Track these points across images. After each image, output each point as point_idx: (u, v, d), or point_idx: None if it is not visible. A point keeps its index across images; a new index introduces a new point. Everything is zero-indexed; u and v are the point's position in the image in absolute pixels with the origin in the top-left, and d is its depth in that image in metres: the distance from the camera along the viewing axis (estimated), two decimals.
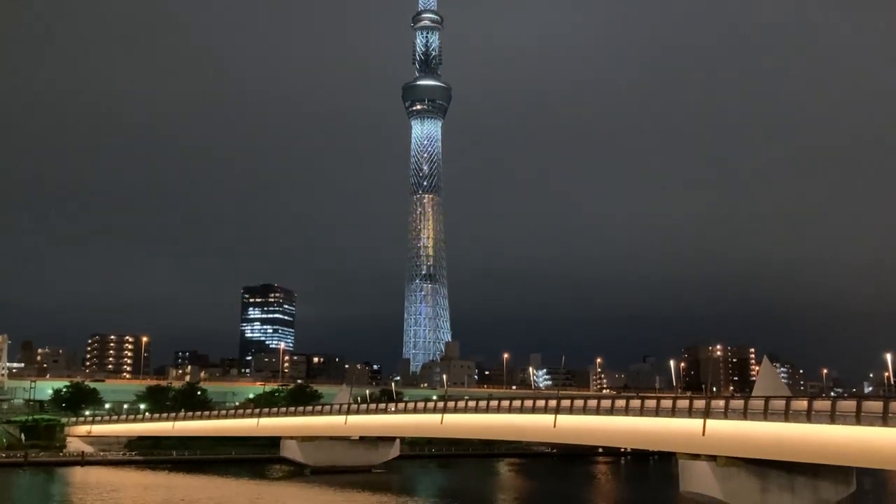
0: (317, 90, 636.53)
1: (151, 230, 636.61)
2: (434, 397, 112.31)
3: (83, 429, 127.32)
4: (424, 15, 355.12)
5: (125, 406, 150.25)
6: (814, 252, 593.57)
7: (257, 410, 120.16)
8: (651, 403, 69.38)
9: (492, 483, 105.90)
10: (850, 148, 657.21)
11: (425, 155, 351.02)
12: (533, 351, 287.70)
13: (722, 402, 64.27)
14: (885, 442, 51.37)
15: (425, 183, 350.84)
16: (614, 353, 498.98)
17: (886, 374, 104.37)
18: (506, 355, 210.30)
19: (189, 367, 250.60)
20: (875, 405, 53.14)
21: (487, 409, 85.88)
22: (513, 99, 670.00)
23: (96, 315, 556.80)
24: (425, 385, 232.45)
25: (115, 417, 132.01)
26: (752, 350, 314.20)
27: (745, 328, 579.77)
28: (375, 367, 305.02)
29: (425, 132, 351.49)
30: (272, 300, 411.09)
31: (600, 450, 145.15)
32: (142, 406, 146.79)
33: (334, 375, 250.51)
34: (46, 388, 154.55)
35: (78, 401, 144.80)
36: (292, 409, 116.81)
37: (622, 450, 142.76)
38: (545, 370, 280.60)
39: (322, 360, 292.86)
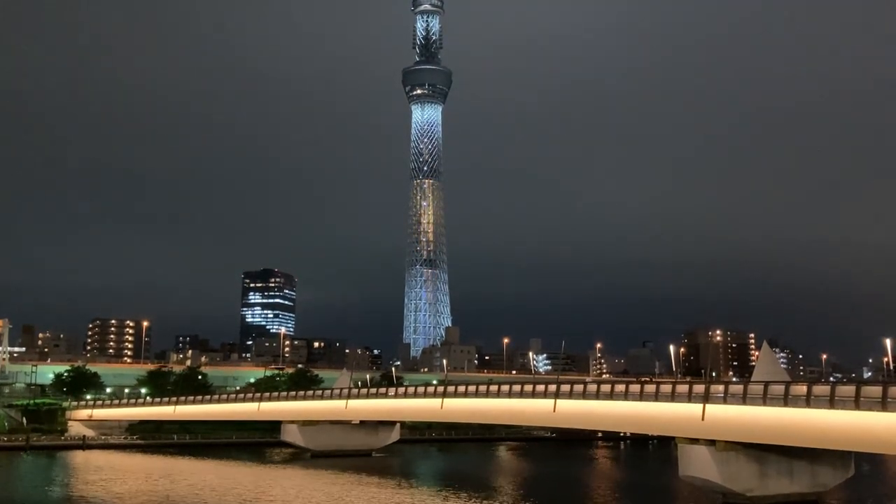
0: (316, 75, 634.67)
1: (152, 215, 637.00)
2: (434, 382, 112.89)
3: (84, 413, 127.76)
4: None
5: (126, 390, 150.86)
6: (813, 238, 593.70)
7: (258, 395, 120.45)
8: (650, 388, 69.62)
9: (492, 467, 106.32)
10: (848, 136, 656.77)
11: (425, 140, 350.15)
12: (533, 336, 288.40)
13: (721, 387, 64.45)
14: (883, 427, 51.49)
15: (425, 168, 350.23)
16: (614, 339, 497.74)
17: (885, 359, 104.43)
18: (506, 340, 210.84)
19: (190, 351, 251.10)
20: (874, 390, 53.26)
21: (487, 394, 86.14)
22: (513, 85, 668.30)
23: (97, 299, 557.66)
24: (425, 370, 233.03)
25: (116, 402, 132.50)
26: (752, 335, 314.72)
27: (744, 313, 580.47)
28: (376, 351, 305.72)
29: (425, 117, 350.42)
30: (273, 285, 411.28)
31: (600, 434, 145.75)
32: (143, 390, 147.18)
33: (335, 360, 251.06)
34: (48, 372, 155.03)
35: (79, 385, 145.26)
36: (293, 393, 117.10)
37: (621, 434, 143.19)
38: (545, 355, 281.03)
39: (322, 344, 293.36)
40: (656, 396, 67.95)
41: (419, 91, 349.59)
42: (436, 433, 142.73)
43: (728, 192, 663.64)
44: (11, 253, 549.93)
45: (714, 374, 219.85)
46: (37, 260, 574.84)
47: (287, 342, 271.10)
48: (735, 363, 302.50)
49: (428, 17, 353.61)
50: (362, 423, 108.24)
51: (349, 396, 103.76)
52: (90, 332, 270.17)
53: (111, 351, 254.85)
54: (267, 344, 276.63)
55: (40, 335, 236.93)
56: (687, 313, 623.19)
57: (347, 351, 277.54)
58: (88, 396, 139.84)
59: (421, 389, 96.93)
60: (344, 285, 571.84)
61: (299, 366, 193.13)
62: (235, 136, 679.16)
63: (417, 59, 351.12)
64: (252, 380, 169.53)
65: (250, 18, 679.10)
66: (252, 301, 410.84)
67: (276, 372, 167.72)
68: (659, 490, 79.96)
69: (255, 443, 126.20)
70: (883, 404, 51.57)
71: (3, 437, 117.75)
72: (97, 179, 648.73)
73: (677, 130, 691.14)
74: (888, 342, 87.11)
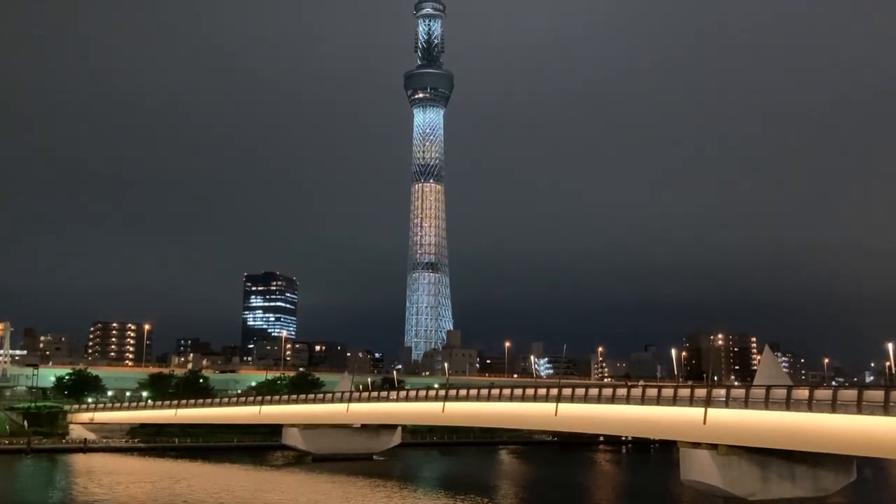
0: (318, 78, 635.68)
1: (154, 217, 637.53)
2: (435, 385, 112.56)
3: (86, 416, 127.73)
4: (427, 2, 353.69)
5: (127, 393, 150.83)
6: (815, 241, 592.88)
7: (259, 398, 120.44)
8: (652, 392, 69.45)
9: (493, 470, 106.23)
10: (849, 136, 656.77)
11: (427, 143, 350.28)
12: (534, 339, 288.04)
13: (723, 391, 64.37)
14: (885, 431, 51.46)
15: (427, 171, 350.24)
16: (616, 342, 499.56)
17: (887, 363, 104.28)
18: (507, 344, 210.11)
19: (191, 354, 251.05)
20: (876, 394, 53.20)
21: (489, 398, 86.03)
22: (514, 87, 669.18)
23: (99, 302, 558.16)
24: (427, 373, 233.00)
25: (117, 405, 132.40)
26: (754, 339, 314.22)
27: (746, 317, 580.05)
28: (377, 355, 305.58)
29: (427, 120, 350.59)
30: (274, 288, 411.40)
31: (601, 438, 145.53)
32: (144, 393, 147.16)
33: (336, 363, 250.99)
34: (49, 375, 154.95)
35: (80, 388, 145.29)
36: (294, 396, 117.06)
37: (623, 438, 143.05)
38: (547, 359, 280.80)
39: (324, 348, 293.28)
40: (658, 400, 67.85)
41: (421, 94, 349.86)
42: (437, 437, 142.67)
43: (729, 194, 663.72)
44: (12, 254, 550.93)
45: (716, 377, 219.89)
46: (37, 262, 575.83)
47: (288, 345, 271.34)
48: (737, 367, 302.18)
49: (430, 20, 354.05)
50: (363, 426, 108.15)
51: (350, 400, 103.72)
52: (92, 335, 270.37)
53: (112, 354, 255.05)
54: (268, 347, 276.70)
55: (42, 338, 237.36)
56: (689, 317, 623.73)
57: (349, 354, 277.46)
58: (90, 399, 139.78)
59: (422, 393, 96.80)
60: (345, 288, 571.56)
61: (300, 369, 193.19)
62: (236, 137, 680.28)
63: (419, 62, 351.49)
64: (253, 383, 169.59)
65: (251, 20, 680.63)
66: (253, 304, 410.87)
67: (278, 375, 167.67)
68: (661, 494, 79.84)
69: (256, 446, 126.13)
70: (885, 408, 51.53)
71: (4, 440, 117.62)
72: (97, 180, 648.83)
73: (678, 131, 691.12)
74: (890, 346, 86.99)
